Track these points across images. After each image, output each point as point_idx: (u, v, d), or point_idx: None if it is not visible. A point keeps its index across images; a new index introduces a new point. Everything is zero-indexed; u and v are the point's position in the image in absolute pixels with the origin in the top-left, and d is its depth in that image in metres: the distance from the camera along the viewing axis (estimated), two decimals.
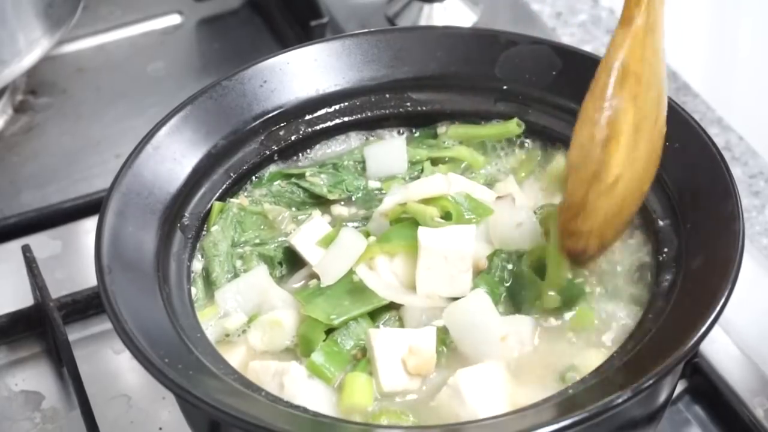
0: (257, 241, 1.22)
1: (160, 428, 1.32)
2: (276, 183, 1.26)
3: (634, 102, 1.11)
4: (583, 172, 1.12)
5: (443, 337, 1.13)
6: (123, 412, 1.34)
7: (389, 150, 1.28)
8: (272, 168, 1.28)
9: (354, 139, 1.30)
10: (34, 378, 1.39)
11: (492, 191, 1.23)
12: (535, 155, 1.28)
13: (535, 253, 1.17)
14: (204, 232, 1.22)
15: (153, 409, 1.34)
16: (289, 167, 1.28)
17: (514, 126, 1.27)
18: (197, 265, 1.20)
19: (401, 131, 1.31)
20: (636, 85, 1.11)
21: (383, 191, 1.25)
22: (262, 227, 1.24)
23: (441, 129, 1.30)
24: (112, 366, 1.39)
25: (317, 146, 1.30)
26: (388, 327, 1.14)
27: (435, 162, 1.28)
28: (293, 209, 1.25)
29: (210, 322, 1.16)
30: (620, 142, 1.11)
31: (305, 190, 1.26)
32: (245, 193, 1.26)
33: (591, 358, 1.10)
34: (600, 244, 1.16)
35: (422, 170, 1.27)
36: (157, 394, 1.33)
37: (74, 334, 1.39)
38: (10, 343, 1.42)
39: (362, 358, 1.12)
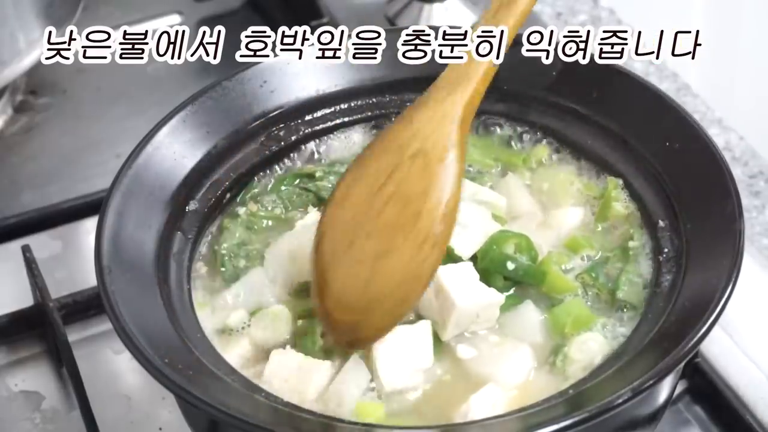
0: (267, 241, 1.22)
1: (160, 428, 1.32)
2: (285, 188, 1.26)
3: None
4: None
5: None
6: (123, 412, 1.34)
7: None
8: (279, 173, 1.28)
9: (354, 139, 1.30)
10: (34, 378, 1.39)
11: (497, 193, 1.23)
12: (534, 155, 1.28)
13: None
14: (208, 232, 1.22)
15: (153, 409, 1.34)
16: (299, 168, 1.28)
17: (541, 151, 1.28)
18: (200, 261, 1.20)
19: None
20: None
21: None
22: (272, 229, 1.24)
23: None
24: (112, 366, 1.39)
25: (319, 146, 1.30)
26: None
27: None
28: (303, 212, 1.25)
29: (210, 319, 1.16)
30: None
31: (314, 193, 1.26)
32: (255, 200, 1.26)
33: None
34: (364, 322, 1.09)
35: None
36: (157, 394, 1.33)
37: (74, 334, 1.39)
38: (10, 343, 1.41)
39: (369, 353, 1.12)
